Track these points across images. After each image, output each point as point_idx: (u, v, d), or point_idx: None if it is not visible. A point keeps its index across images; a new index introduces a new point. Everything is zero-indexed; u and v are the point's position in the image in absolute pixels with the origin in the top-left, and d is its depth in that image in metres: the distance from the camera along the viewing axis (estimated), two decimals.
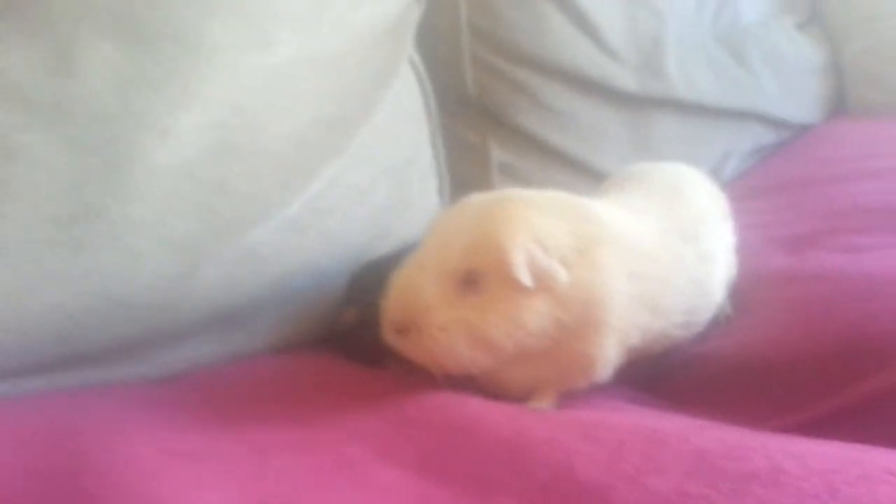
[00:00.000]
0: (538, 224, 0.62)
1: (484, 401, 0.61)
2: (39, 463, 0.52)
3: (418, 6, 0.96)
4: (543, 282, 0.60)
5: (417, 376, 0.63)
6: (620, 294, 0.64)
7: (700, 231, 0.77)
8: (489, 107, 1.07)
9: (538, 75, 1.07)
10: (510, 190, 0.67)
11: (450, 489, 0.49)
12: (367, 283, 0.83)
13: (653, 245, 0.69)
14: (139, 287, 0.69)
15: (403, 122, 0.93)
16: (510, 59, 1.06)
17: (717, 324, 0.81)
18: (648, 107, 1.17)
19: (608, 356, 0.65)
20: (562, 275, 0.61)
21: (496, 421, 0.56)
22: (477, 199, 0.67)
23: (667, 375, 0.79)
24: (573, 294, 0.61)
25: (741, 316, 0.83)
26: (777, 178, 1.28)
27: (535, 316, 0.61)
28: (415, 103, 0.97)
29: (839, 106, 1.61)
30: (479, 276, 0.60)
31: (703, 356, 0.79)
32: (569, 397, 0.67)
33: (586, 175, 1.10)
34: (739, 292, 0.85)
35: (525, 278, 0.60)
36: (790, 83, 1.45)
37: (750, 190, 1.23)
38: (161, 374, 0.75)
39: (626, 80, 1.14)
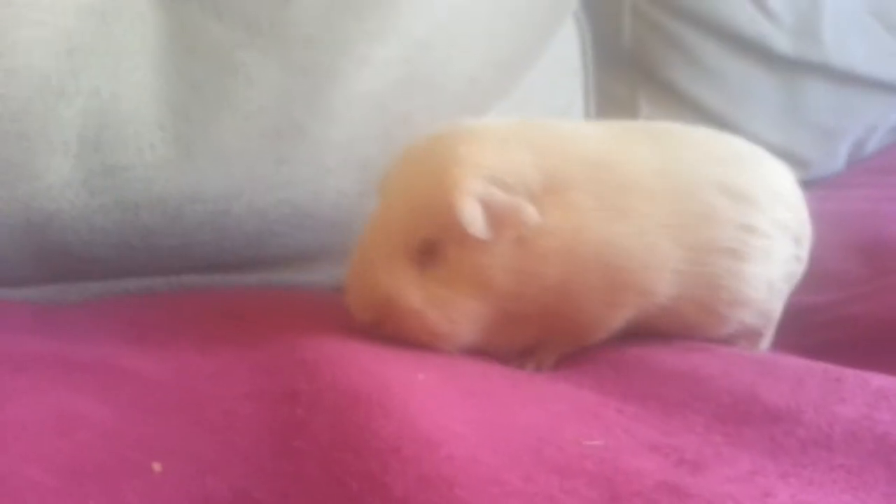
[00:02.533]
0: (492, 159, 0.52)
1: (643, 340, 0.60)
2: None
3: None
4: (508, 227, 0.51)
5: None
6: (621, 235, 0.53)
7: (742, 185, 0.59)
8: (642, 61, 1.09)
9: (695, 31, 1.08)
10: (460, 123, 0.57)
11: (633, 405, 0.51)
12: None
13: (645, 174, 0.56)
14: (325, 201, 0.74)
15: (562, 71, 0.96)
16: (670, 13, 1.07)
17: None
18: (801, 71, 1.16)
19: (608, 316, 0.56)
20: (529, 213, 0.50)
21: (668, 356, 0.57)
22: (420, 143, 0.56)
23: (813, 335, 0.80)
24: (548, 244, 0.52)
25: (887, 276, 0.83)
26: None
27: (504, 274, 0.52)
28: (574, 54, 0.99)
29: None
30: (436, 242, 0.52)
31: (852, 317, 0.80)
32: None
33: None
34: (886, 254, 0.85)
35: (481, 232, 0.50)
36: None
37: (895, 165, 1.21)
38: (333, 284, 0.80)
39: (781, 41, 1.13)
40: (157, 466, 0.42)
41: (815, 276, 0.86)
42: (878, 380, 0.51)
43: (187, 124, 0.67)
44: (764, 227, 0.59)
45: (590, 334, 0.58)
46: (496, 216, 0.50)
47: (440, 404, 0.46)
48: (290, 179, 0.71)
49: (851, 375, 0.52)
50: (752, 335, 0.64)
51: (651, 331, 0.59)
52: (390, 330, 0.55)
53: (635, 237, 0.54)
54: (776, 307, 0.64)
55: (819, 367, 0.54)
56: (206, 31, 0.68)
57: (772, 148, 1.15)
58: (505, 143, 0.53)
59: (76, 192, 0.65)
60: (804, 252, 0.65)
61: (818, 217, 1.00)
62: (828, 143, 1.22)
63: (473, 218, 0.50)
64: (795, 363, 0.56)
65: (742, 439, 0.44)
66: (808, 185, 1.23)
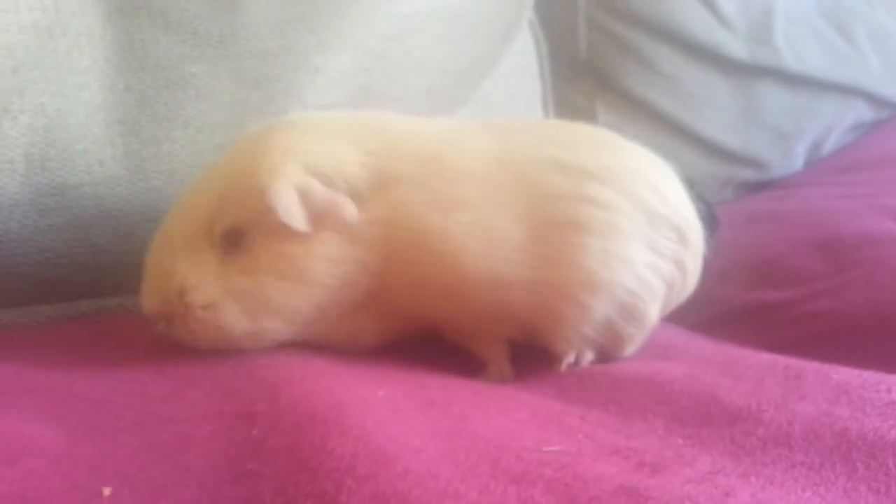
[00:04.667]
0: (314, 151, 0.50)
1: None
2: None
3: None
4: (329, 221, 0.49)
5: None
6: (450, 224, 0.52)
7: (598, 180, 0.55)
8: (599, 69, 1.09)
9: (650, 38, 1.09)
10: (291, 115, 0.57)
11: (596, 411, 0.51)
12: None
13: (477, 163, 0.54)
14: None
15: (520, 79, 0.96)
16: (624, 21, 1.08)
17: None
18: (756, 76, 1.18)
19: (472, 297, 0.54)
20: (349, 210, 0.49)
21: (630, 363, 0.57)
22: (248, 134, 0.54)
23: (775, 332, 0.81)
24: (375, 233, 0.50)
25: (846, 272, 0.84)
26: (880, 154, 1.27)
27: (326, 264, 0.50)
28: (531, 63, 0.99)
29: None
30: (245, 232, 0.50)
31: (813, 314, 0.81)
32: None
33: (692, 141, 1.11)
34: (845, 250, 0.86)
35: (297, 222, 0.48)
36: (894, 62, 1.43)
37: (852, 163, 1.24)
38: None
39: (736, 47, 1.15)
40: (106, 491, 0.40)
41: (776, 274, 0.88)
42: (838, 374, 0.52)
43: (137, 140, 0.66)
44: (606, 199, 0.55)
45: (477, 322, 0.55)
46: (315, 210, 0.49)
47: (400, 419, 0.45)
48: None
49: (812, 371, 0.53)
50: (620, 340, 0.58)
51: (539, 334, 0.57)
52: (180, 329, 0.51)
53: (468, 224, 0.52)
54: (647, 307, 0.57)
55: (780, 363, 0.55)
56: (154, 44, 0.67)
57: (730, 151, 1.18)
58: (331, 136, 0.52)
59: (25, 212, 0.64)
60: (689, 255, 0.60)
61: (779, 216, 1.02)
62: (785, 145, 1.24)
63: (288, 207, 0.48)
64: (757, 360, 0.57)
65: (702, 440, 0.44)
66: (767, 185, 1.27)
